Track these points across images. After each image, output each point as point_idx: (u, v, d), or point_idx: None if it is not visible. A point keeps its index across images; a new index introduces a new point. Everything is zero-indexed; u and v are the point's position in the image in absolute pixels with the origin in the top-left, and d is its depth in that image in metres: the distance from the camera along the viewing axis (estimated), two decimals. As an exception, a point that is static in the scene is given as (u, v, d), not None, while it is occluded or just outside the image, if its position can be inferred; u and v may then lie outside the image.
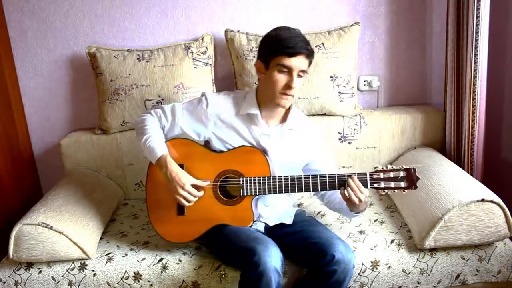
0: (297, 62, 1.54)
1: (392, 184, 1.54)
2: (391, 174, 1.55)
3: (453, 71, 2.07)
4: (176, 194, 1.60)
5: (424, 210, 1.71)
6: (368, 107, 2.37)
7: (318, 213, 1.97)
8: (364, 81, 2.34)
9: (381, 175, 1.55)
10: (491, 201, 1.63)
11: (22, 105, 2.32)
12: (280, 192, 1.60)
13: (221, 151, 1.67)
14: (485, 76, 1.94)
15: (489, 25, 1.89)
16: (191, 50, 2.15)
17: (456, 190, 1.70)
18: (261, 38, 1.63)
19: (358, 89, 2.35)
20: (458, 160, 2.09)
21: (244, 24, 2.25)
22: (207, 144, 1.72)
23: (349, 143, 2.20)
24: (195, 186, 1.62)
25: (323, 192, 1.75)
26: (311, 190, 1.58)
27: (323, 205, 1.82)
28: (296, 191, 1.59)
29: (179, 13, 2.24)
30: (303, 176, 1.58)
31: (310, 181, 1.58)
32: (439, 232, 1.63)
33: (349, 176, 1.55)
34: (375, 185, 1.55)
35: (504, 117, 2.20)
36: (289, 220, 1.71)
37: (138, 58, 2.13)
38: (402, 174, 1.54)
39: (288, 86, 1.56)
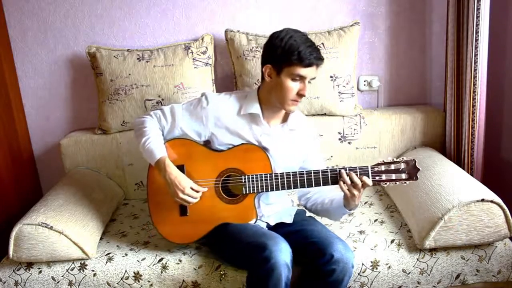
0: (311, 72, 1.57)
1: (393, 176, 1.56)
2: (392, 166, 1.56)
3: (453, 71, 2.07)
4: (176, 197, 1.60)
5: (424, 210, 1.71)
6: (368, 107, 2.37)
7: (318, 213, 1.98)
8: (364, 81, 2.34)
9: (382, 168, 1.56)
10: (491, 201, 1.63)
11: (22, 105, 2.32)
12: (283, 188, 1.60)
13: (222, 150, 1.67)
14: (485, 76, 1.94)
15: (489, 25, 1.89)
16: (191, 50, 2.15)
17: (456, 190, 1.70)
18: (270, 40, 1.60)
19: (358, 89, 2.35)
20: (458, 160, 2.09)
21: (244, 24, 2.25)
22: (207, 143, 1.71)
23: (349, 143, 2.20)
24: (196, 188, 1.62)
25: (308, 196, 1.76)
26: (313, 185, 1.59)
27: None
28: (299, 186, 1.60)
29: (179, 13, 2.24)
30: (305, 172, 1.59)
31: (312, 176, 1.58)
32: (439, 232, 1.63)
33: (351, 169, 1.55)
34: (377, 178, 1.56)
35: (504, 117, 2.20)
36: (289, 219, 1.71)
37: (138, 58, 2.13)
38: (403, 166, 1.56)
39: (300, 94, 1.59)
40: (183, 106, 1.71)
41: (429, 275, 1.68)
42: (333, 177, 1.57)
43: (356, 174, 1.54)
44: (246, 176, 1.62)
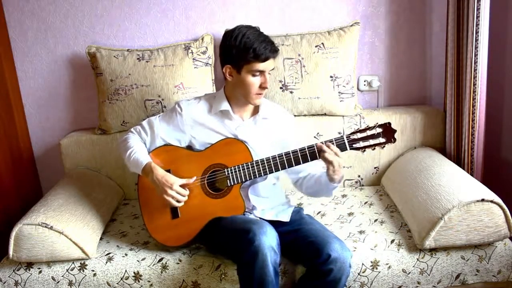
0: (268, 65, 1.64)
1: (371, 142, 1.58)
2: (368, 132, 1.58)
3: (453, 71, 2.07)
4: (165, 195, 1.64)
5: (424, 210, 1.71)
6: (368, 107, 2.37)
7: (318, 213, 1.97)
8: (364, 81, 2.34)
9: (358, 135, 1.58)
10: (491, 201, 1.63)
11: (22, 105, 2.32)
12: (265, 173, 1.64)
13: (203, 149, 1.73)
14: (485, 76, 1.94)
15: (489, 25, 1.89)
16: (191, 50, 2.15)
17: (456, 190, 1.70)
18: (224, 40, 1.67)
19: (358, 89, 2.35)
20: (458, 160, 2.09)
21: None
22: (189, 148, 1.77)
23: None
24: (183, 186, 1.66)
25: (301, 180, 1.80)
26: (293, 164, 1.61)
27: (323, 204, 1.82)
28: (280, 168, 1.62)
29: (179, 13, 2.24)
30: (283, 153, 1.62)
31: (291, 156, 1.61)
32: (439, 232, 1.63)
33: (327, 142, 1.58)
34: (354, 145, 1.58)
35: (504, 117, 2.20)
36: (286, 218, 1.72)
37: (138, 58, 2.13)
38: (378, 130, 1.58)
39: (263, 87, 1.66)
40: (159, 118, 1.80)
41: (429, 275, 1.68)
42: (311, 153, 1.59)
43: (333, 144, 1.58)
44: (228, 169, 1.65)
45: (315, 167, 1.78)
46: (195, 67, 2.15)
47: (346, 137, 1.58)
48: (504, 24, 2.12)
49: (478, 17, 1.87)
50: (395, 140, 1.59)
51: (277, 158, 1.62)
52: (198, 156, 1.72)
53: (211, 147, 1.71)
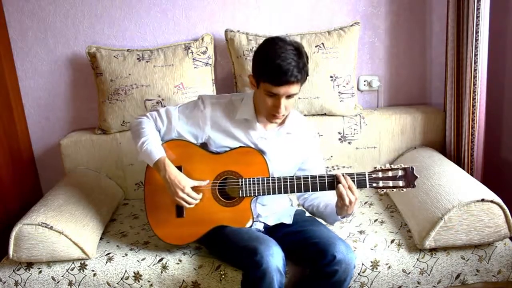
0: (285, 90, 1.49)
1: (390, 183, 1.55)
2: (390, 173, 1.55)
3: (453, 71, 2.07)
4: (176, 197, 1.59)
5: (424, 210, 1.71)
6: (368, 107, 2.37)
7: (318, 213, 1.98)
8: (364, 81, 2.34)
9: (380, 174, 1.55)
10: (491, 201, 1.63)
11: (22, 105, 2.32)
12: (280, 193, 1.60)
13: (219, 153, 1.67)
14: (485, 76, 1.94)
15: (489, 25, 1.89)
16: (191, 50, 2.15)
17: (456, 190, 1.70)
18: (256, 49, 1.56)
19: (358, 89, 2.35)
20: (458, 160, 2.09)
21: (244, 24, 2.25)
22: (204, 146, 1.70)
23: (349, 143, 2.20)
24: (195, 188, 1.62)
25: (306, 196, 1.75)
26: (310, 190, 1.58)
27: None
28: (296, 191, 1.59)
29: (179, 13, 2.24)
30: (302, 177, 1.58)
31: (310, 182, 1.58)
32: (439, 232, 1.63)
33: (348, 175, 1.54)
34: (374, 185, 1.55)
35: (504, 117, 2.20)
36: (288, 220, 1.71)
37: (138, 58, 2.13)
38: (400, 173, 1.55)
39: (275, 109, 1.54)
40: (179, 109, 1.70)
41: (429, 275, 1.68)
42: (330, 182, 1.56)
43: (353, 180, 1.53)
44: (243, 179, 1.61)
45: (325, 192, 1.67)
46: (195, 67, 2.15)
47: (368, 175, 1.55)
48: (504, 24, 2.12)
49: (478, 17, 1.87)
50: (414, 186, 1.54)
51: (295, 181, 1.58)
52: (213, 158, 1.66)
53: (228, 153, 1.65)
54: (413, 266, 1.67)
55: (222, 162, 1.65)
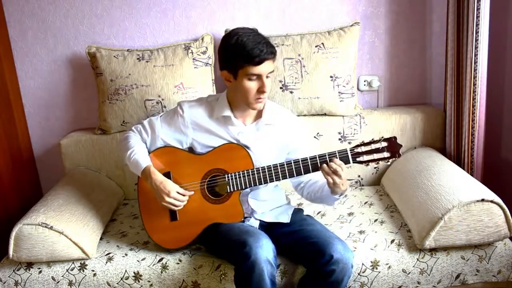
0: (265, 68, 1.56)
1: (375, 156, 1.55)
2: (373, 146, 1.55)
3: (453, 71, 2.07)
4: (163, 202, 1.63)
5: (424, 210, 1.71)
6: (368, 107, 2.37)
7: (318, 213, 1.97)
8: (364, 81, 2.34)
9: (363, 149, 1.55)
10: (491, 201, 1.63)
11: (22, 105, 2.32)
12: (266, 182, 1.62)
13: (204, 153, 1.70)
14: (485, 76, 1.94)
15: (489, 25, 1.89)
16: (191, 50, 2.15)
17: (456, 190, 1.70)
18: (220, 45, 1.62)
19: (358, 89, 2.35)
20: (458, 160, 2.09)
21: (244, 24, 2.22)
22: (190, 150, 1.75)
23: (349, 143, 2.20)
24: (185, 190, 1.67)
25: (302, 185, 1.76)
26: (295, 175, 1.59)
27: (324, 204, 1.81)
28: (281, 178, 1.61)
29: (179, 13, 2.24)
30: (285, 163, 1.60)
31: (293, 166, 1.59)
32: (439, 232, 1.63)
33: (329, 154, 1.55)
34: (358, 159, 1.55)
35: (504, 117, 2.20)
36: (286, 219, 1.72)
37: (138, 58, 2.13)
38: (383, 144, 1.55)
39: (261, 91, 1.58)
40: (160, 118, 1.76)
41: (429, 275, 1.68)
42: (313, 164, 1.57)
43: (336, 157, 1.54)
44: (229, 175, 1.64)
45: (319, 174, 1.73)
46: (195, 67, 2.15)
47: (350, 150, 1.55)
48: (504, 24, 2.12)
49: (478, 17, 1.87)
50: (399, 155, 1.54)
51: (279, 167, 1.59)
52: (198, 159, 1.70)
53: (213, 151, 1.69)
54: (413, 266, 1.67)
55: (208, 161, 1.68)
